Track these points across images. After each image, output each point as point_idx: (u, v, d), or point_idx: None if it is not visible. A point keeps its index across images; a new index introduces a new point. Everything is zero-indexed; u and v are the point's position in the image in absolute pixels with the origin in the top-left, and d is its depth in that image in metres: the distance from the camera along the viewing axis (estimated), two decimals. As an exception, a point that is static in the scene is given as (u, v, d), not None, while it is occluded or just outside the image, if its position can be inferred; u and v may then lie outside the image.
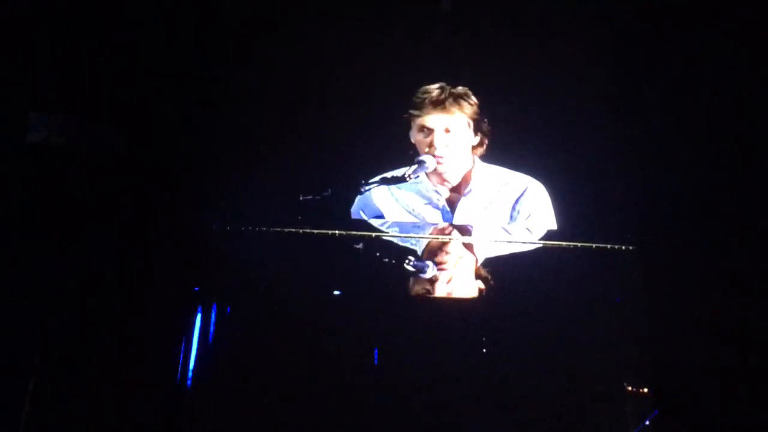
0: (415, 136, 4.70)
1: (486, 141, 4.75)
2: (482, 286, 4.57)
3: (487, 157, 4.79)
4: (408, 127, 4.71)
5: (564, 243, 4.56)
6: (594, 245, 4.53)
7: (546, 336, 4.42)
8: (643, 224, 4.62)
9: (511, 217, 4.72)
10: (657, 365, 4.39)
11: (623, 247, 4.53)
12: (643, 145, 4.73)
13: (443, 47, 4.90)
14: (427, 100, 4.65)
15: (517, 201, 4.74)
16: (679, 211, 4.56)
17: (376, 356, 4.40)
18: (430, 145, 4.66)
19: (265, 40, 4.77)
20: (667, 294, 4.46)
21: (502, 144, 4.79)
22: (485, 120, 4.72)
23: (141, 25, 4.49)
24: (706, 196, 4.55)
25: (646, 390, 4.45)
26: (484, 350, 4.42)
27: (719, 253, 4.47)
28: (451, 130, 4.67)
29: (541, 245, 4.62)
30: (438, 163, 4.66)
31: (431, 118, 4.66)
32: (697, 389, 4.29)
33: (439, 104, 4.65)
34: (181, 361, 4.26)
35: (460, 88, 4.71)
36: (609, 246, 4.54)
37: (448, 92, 4.67)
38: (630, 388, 4.46)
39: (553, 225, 4.70)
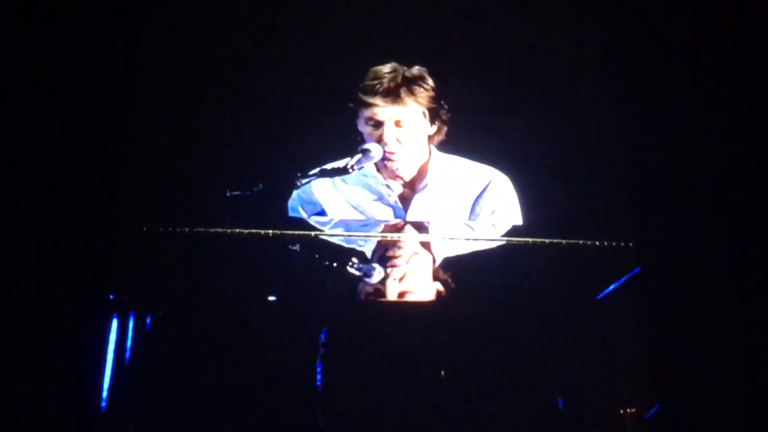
0: (363, 127, 4.23)
1: (445, 128, 4.30)
2: (441, 288, 4.11)
3: (445, 147, 4.33)
4: (354, 114, 4.22)
5: (553, 240, 4.13)
6: (591, 242, 4.13)
7: (515, 345, 3.99)
8: (626, 219, 4.21)
9: (473, 213, 4.29)
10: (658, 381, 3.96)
11: (621, 244, 4.11)
12: (624, 130, 4.29)
13: (389, 17, 4.42)
14: (376, 88, 4.16)
15: (479, 196, 4.30)
16: (677, 205, 4.12)
17: (318, 372, 3.92)
18: (380, 139, 4.19)
19: (183, 22, 4.34)
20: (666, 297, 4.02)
21: (463, 131, 4.33)
22: (445, 107, 4.24)
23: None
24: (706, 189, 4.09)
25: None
26: (443, 370, 3.96)
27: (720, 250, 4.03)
28: (403, 124, 4.19)
29: (510, 242, 4.19)
30: (389, 159, 4.20)
31: (381, 110, 4.17)
32: (705, 410, 3.84)
33: (389, 94, 4.16)
34: (93, 379, 3.79)
35: (415, 70, 4.23)
36: (606, 243, 4.12)
37: (401, 77, 4.19)
38: (622, 411, 4.01)
39: (518, 221, 4.26)
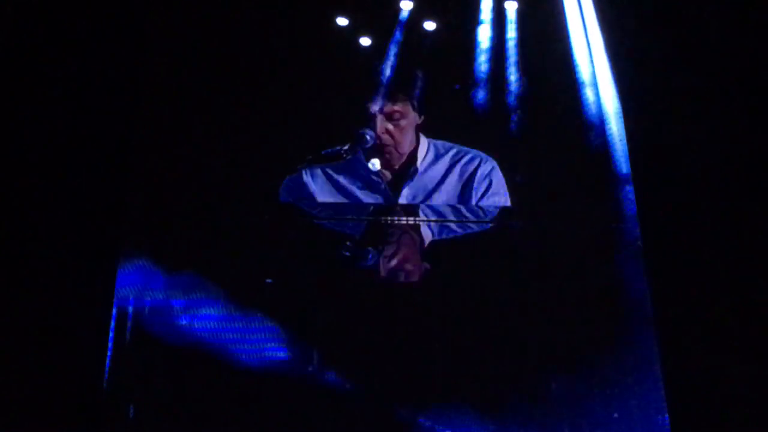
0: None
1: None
2: (431, 268, 4.19)
3: (434, 132, 4.39)
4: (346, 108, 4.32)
5: (543, 221, 4.20)
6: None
7: (505, 327, 4.00)
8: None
9: (462, 195, 4.34)
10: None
11: (611, 225, 4.18)
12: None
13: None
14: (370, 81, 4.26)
15: (468, 178, 4.36)
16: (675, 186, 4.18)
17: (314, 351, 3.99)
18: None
19: (181, 14, 4.40)
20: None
21: (449, 116, 4.42)
22: (431, 97, 4.31)
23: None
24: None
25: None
26: (437, 342, 4.00)
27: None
28: (394, 117, 4.26)
29: (500, 223, 4.26)
30: (379, 150, 4.27)
31: (371, 103, 4.25)
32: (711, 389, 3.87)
33: (380, 86, 4.25)
34: (94, 359, 3.84)
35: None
36: (595, 225, 4.18)
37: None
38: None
39: (507, 202, 4.33)
